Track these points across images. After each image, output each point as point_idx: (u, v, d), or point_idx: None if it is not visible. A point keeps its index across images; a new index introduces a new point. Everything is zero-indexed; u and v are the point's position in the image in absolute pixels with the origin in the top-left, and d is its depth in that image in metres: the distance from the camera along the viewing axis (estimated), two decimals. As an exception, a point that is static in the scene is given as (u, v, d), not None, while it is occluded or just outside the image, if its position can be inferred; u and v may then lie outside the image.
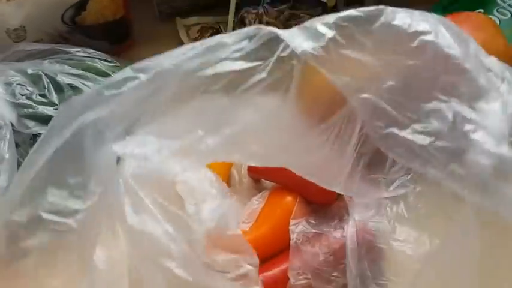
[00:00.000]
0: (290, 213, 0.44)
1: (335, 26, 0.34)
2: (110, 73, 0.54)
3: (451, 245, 0.36)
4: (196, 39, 0.64)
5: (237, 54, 0.34)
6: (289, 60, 0.34)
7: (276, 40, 0.34)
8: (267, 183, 0.51)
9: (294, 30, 0.34)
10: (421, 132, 0.33)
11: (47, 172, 0.36)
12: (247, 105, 0.35)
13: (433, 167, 0.32)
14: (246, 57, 0.34)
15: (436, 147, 0.32)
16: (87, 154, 0.35)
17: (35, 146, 0.36)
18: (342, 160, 0.39)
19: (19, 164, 0.49)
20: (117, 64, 0.56)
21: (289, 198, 0.45)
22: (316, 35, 0.33)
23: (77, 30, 0.60)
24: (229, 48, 0.35)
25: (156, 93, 0.35)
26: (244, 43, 0.34)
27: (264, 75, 0.34)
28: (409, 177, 0.44)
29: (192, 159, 0.37)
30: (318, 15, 0.37)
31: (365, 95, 0.34)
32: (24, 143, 0.49)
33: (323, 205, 0.46)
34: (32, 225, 0.37)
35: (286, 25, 0.59)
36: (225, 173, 0.50)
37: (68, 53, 0.55)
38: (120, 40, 0.64)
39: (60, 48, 0.56)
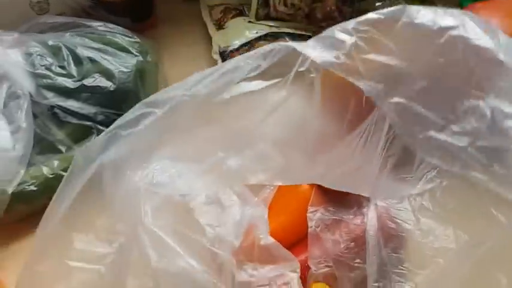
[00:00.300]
0: (307, 201, 0.43)
1: (355, 31, 0.32)
2: (130, 48, 0.53)
3: (486, 244, 0.34)
4: (219, 20, 0.63)
5: (253, 74, 0.34)
6: (308, 74, 0.33)
7: (293, 54, 0.33)
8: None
9: (311, 41, 0.33)
10: (459, 133, 0.31)
11: (72, 217, 0.35)
12: (269, 123, 0.34)
13: (474, 170, 0.31)
14: (262, 76, 0.33)
15: (476, 148, 0.30)
16: (109, 191, 0.34)
17: (56, 193, 0.36)
18: (370, 165, 0.37)
19: (36, 135, 0.48)
20: (138, 40, 0.55)
21: (305, 186, 0.44)
22: (336, 43, 0.32)
23: (99, 5, 0.59)
24: (244, 70, 0.34)
25: (172, 124, 0.34)
26: (260, 61, 0.33)
27: (284, 93, 0.33)
28: (435, 172, 0.42)
29: (213, 181, 0.36)
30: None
31: (396, 99, 0.32)
32: (42, 114, 0.49)
33: (340, 193, 0.45)
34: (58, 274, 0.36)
35: (310, 7, 0.58)
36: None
37: (89, 26, 0.55)
38: (142, 18, 0.63)
39: (82, 22, 0.55)
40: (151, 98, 0.35)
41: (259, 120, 0.35)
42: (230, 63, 0.34)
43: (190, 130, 0.35)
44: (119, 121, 0.35)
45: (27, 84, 0.49)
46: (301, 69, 0.34)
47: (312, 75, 0.33)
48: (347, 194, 0.45)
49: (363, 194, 0.40)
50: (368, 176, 0.38)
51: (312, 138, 0.37)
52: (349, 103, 0.36)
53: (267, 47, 0.34)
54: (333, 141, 0.37)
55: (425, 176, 0.42)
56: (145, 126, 0.35)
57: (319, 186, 0.44)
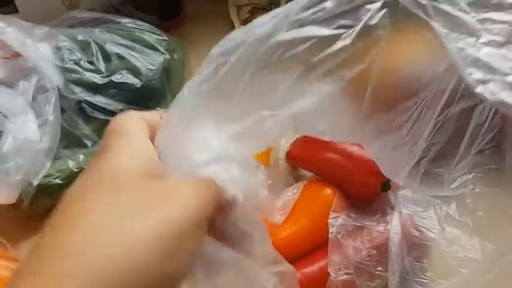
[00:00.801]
0: (329, 207, 0.42)
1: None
2: (158, 46, 0.54)
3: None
4: (246, 20, 0.62)
5: (318, 19, 0.31)
6: (376, 30, 0.31)
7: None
8: (303, 172, 0.49)
9: None
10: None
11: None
12: (322, 80, 0.32)
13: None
14: (327, 24, 0.31)
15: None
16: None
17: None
18: (414, 148, 0.36)
19: (63, 129, 0.49)
20: (165, 38, 0.55)
21: (328, 191, 0.43)
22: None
23: (129, 2, 0.60)
24: (308, 13, 0.31)
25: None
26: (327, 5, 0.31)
27: (347, 41, 0.29)
28: (471, 176, 0.41)
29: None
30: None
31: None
32: (69, 108, 0.49)
33: (363, 200, 0.44)
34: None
35: (341, 9, 0.57)
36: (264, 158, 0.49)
37: (118, 23, 0.55)
38: (170, 16, 0.64)
39: (111, 18, 0.56)
40: (223, 46, 0.32)
41: (309, 76, 0.32)
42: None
43: (242, 79, 0.32)
44: (197, 77, 0.32)
45: (55, 78, 0.49)
46: (371, 22, 0.31)
47: (380, 32, 0.31)
48: (370, 200, 0.45)
49: (396, 181, 0.38)
50: (406, 161, 0.37)
51: (369, 97, 0.34)
52: (408, 72, 0.34)
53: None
54: (383, 109, 0.35)
55: (460, 178, 0.41)
56: (220, 76, 0.31)
57: (342, 192, 0.44)
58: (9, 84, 0.51)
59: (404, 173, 0.36)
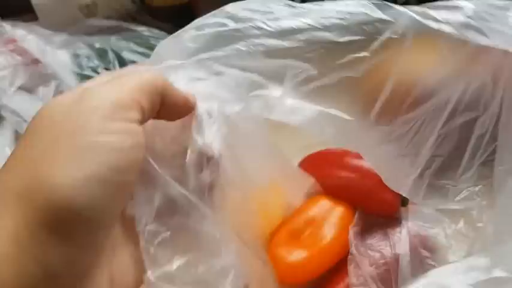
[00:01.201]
0: (347, 225, 0.41)
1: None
2: (173, 54, 0.55)
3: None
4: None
5: (340, 25, 0.30)
6: (398, 42, 0.30)
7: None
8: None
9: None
10: None
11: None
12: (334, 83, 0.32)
13: None
14: (349, 30, 0.30)
15: None
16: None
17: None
18: (415, 159, 0.36)
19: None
20: (181, 46, 0.57)
21: (345, 209, 0.42)
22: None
23: (144, 10, 0.61)
24: (332, 15, 0.30)
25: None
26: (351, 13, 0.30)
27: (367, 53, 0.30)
28: (477, 188, 0.40)
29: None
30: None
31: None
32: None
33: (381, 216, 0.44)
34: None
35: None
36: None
37: (134, 31, 0.57)
38: (184, 24, 0.65)
39: (128, 26, 0.57)
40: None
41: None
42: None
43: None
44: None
45: (73, 85, 0.51)
46: (393, 36, 0.30)
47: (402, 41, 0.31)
48: (386, 216, 0.44)
49: (399, 192, 0.38)
50: (409, 171, 0.36)
51: (378, 106, 0.34)
52: (415, 82, 0.34)
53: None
54: (393, 115, 0.35)
55: (466, 190, 0.40)
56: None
57: (358, 209, 0.43)
58: (29, 90, 0.53)
59: (408, 184, 0.36)
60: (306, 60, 0.31)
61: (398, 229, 0.42)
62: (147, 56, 0.54)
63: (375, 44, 0.31)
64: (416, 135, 0.35)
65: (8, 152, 0.49)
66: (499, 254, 0.28)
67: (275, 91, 0.32)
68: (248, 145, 0.31)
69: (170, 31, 0.58)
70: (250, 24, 0.32)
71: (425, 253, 0.40)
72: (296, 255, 0.40)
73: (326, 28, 0.31)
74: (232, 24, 0.32)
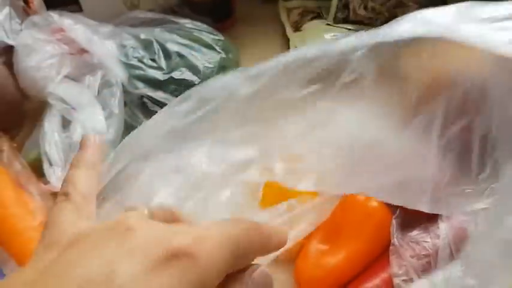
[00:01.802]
0: (382, 224, 0.42)
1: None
2: (214, 45, 0.56)
3: None
4: (296, 22, 0.64)
5: None
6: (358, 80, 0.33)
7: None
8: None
9: None
10: None
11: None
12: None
13: None
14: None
15: None
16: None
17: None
18: (425, 172, 0.37)
19: (125, 122, 0.51)
20: (221, 38, 0.58)
21: (381, 209, 0.42)
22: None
23: (185, 4, 0.63)
24: None
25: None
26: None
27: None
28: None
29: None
30: (426, 6, 0.36)
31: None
32: (132, 102, 0.52)
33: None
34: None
35: (391, 12, 0.58)
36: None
37: (177, 23, 0.58)
38: (223, 18, 0.66)
39: (170, 19, 0.59)
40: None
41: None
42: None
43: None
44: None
45: (120, 74, 0.52)
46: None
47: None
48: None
49: (420, 209, 0.38)
50: (424, 186, 0.37)
51: (358, 146, 0.37)
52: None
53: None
54: (380, 148, 0.37)
55: (489, 189, 0.41)
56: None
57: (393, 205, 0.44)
58: (76, 79, 0.54)
59: (426, 200, 0.37)
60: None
61: (438, 222, 0.43)
62: (190, 47, 0.55)
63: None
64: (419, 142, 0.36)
65: (56, 137, 0.50)
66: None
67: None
68: None
69: (208, 24, 0.59)
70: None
71: (464, 246, 0.41)
72: (324, 259, 0.42)
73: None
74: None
